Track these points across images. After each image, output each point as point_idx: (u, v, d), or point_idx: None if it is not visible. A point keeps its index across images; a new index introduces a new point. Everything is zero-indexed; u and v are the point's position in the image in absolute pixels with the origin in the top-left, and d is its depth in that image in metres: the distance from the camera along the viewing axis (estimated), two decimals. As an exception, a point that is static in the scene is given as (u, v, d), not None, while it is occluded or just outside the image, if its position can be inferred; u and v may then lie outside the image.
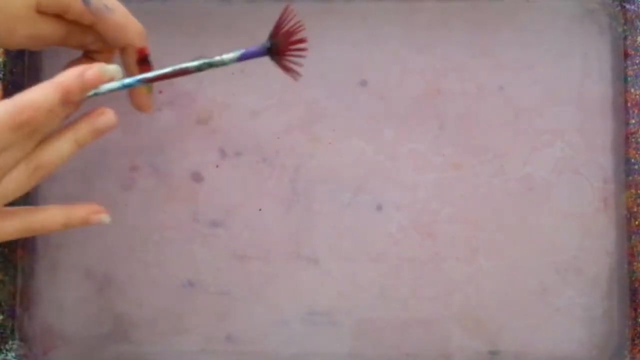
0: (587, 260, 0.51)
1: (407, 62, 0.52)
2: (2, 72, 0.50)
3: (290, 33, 0.40)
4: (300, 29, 0.40)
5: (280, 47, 0.40)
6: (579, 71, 0.52)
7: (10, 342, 0.50)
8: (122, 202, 0.52)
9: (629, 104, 0.51)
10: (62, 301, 0.51)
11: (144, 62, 0.44)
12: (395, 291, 0.51)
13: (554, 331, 0.51)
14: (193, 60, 0.42)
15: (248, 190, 0.52)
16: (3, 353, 0.50)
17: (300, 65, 0.40)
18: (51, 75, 0.52)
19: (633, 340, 0.50)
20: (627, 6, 0.52)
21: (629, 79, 0.51)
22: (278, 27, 0.40)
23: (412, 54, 0.52)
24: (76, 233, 0.51)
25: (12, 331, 0.51)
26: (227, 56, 0.40)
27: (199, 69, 0.41)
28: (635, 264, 0.50)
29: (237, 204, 0.52)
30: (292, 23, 0.40)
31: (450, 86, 0.52)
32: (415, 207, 0.51)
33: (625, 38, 0.52)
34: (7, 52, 0.50)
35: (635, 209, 0.50)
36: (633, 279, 0.50)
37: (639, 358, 0.50)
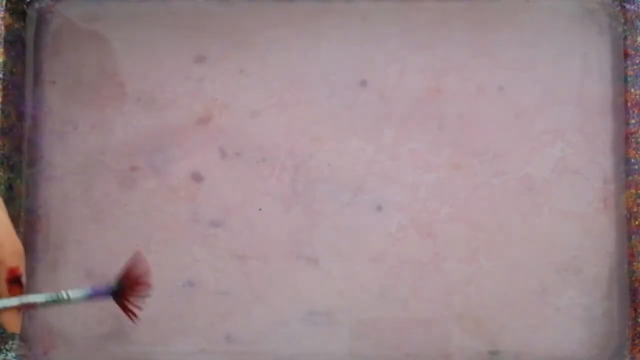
0: (587, 260, 0.51)
1: (407, 62, 0.52)
2: (2, 72, 0.50)
3: (137, 279, 0.41)
4: (147, 275, 0.41)
5: (125, 291, 0.41)
6: (579, 71, 0.52)
7: (10, 342, 0.50)
8: (122, 202, 0.52)
9: (629, 104, 0.51)
10: (62, 301, 0.51)
11: (15, 283, 0.43)
12: (395, 291, 0.51)
13: (554, 331, 0.51)
14: (42, 294, 0.42)
15: (248, 190, 0.52)
16: (3, 353, 0.50)
17: (139, 308, 0.42)
18: (51, 75, 0.52)
19: (633, 340, 0.50)
20: (627, 6, 0.52)
21: (629, 79, 0.51)
22: (127, 271, 0.41)
23: (412, 53, 0.52)
24: (76, 233, 0.51)
25: (12, 331, 0.51)
26: (73, 294, 0.41)
27: (44, 304, 0.41)
28: (635, 264, 0.50)
29: (237, 204, 0.52)
30: (140, 269, 0.41)
31: (450, 86, 0.52)
32: (415, 207, 0.51)
33: (625, 38, 0.52)
34: (7, 52, 0.50)
35: (635, 209, 0.50)
36: (633, 279, 0.50)
37: (639, 358, 0.50)
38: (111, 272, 0.51)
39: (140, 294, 0.42)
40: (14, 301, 0.41)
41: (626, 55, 0.52)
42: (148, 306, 0.51)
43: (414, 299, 0.51)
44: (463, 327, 0.51)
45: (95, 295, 0.41)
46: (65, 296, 0.41)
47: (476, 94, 0.52)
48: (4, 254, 0.42)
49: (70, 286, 0.51)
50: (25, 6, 0.52)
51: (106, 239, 0.52)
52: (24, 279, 0.43)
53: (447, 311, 0.51)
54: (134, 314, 0.42)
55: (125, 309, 0.42)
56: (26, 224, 0.51)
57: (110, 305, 0.51)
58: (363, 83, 0.52)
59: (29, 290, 0.51)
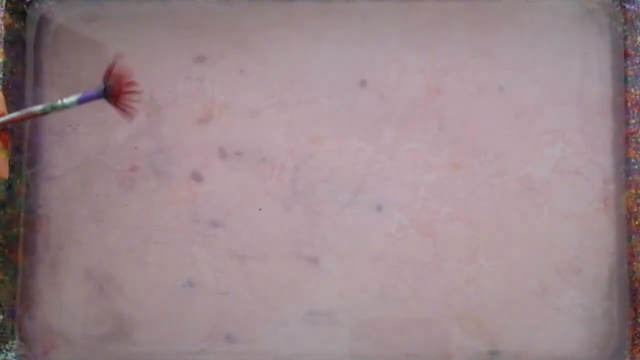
0: (587, 260, 0.51)
1: (407, 62, 0.52)
2: (2, 72, 0.50)
3: (122, 77, 0.44)
4: (129, 72, 0.44)
5: (114, 90, 0.44)
6: (579, 71, 0.52)
7: (10, 342, 0.50)
8: (122, 202, 0.52)
9: (629, 104, 0.51)
10: (62, 301, 0.51)
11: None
12: (395, 291, 0.51)
13: (554, 331, 0.51)
14: (39, 107, 0.44)
15: (248, 190, 0.52)
16: (3, 353, 0.50)
17: (133, 107, 0.44)
18: (51, 75, 0.52)
19: (633, 340, 0.50)
20: (627, 6, 0.52)
21: (629, 79, 0.51)
22: (110, 72, 0.44)
23: (412, 53, 0.52)
24: (76, 233, 0.51)
25: (12, 331, 0.51)
26: (67, 100, 0.43)
27: (44, 112, 0.43)
28: (635, 264, 0.50)
29: (237, 204, 0.52)
30: (122, 69, 0.44)
31: (450, 86, 0.52)
32: (415, 207, 0.51)
33: (625, 38, 0.52)
34: (7, 52, 0.50)
35: (635, 209, 0.50)
36: (633, 279, 0.50)
37: (639, 358, 0.50)
38: (111, 272, 0.51)
39: (129, 90, 0.44)
40: (15, 114, 0.43)
41: (626, 55, 0.52)
42: (148, 306, 0.51)
43: (414, 299, 0.51)
44: (463, 327, 0.51)
45: (87, 98, 0.43)
46: (60, 103, 0.43)
47: (476, 94, 0.52)
48: None
49: (70, 286, 0.51)
50: (25, 6, 0.52)
51: (106, 239, 0.52)
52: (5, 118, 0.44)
53: (447, 311, 0.51)
54: (129, 111, 0.44)
55: (120, 107, 0.44)
56: (26, 224, 0.52)
57: (111, 305, 0.51)
58: (363, 83, 0.52)
59: (29, 291, 0.51)
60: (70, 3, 0.53)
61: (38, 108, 0.43)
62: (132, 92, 0.44)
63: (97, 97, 0.43)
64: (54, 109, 0.43)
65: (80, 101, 0.44)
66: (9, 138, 0.45)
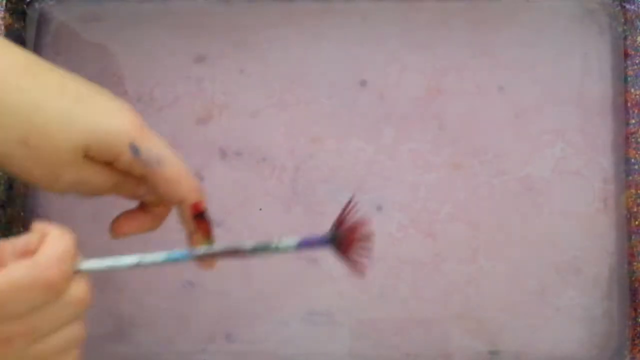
0: (587, 260, 0.51)
1: (407, 62, 0.52)
2: (2, 72, 0.50)
3: (356, 225, 0.38)
4: (363, 223, 0.38)
5: (345, 240, 0.37)
6: (579, 71, 0.52)
7: (10, 342, 0.50)
8: (122, 203, 0.52)
9: (629, 104, 0.51)
10: (62, 301, 0.51)
11: (200, 218, 0.41)
12: (395, 291, 0.51)
13: (554, 331, 0.51)
14: (249, 243, 0.38)
15: (248, 190, 0.52)
16: (3, 353, 0.50)
17: (364, 261, 0.37)
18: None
19: (633, 340, 0.50)
20: (627, 6, 0.52)
21: (629, 79, 0.51)
22: (341, 217, 0.38)
23: (412, 53, 0.52)
24: (76, 233, 0.51)
25: (12, 331, 0.50)
26: (283, 243, 0.37)
27: (252, 251, 0.37)
28: (635, 264, 0.50)
29: (237, 204, 0.51)
30: (354, 217, 0.38)
31: (450, 86, 0.52)
32: (415, 207, 0.51)
33: (625, 38, 0.52)
34: (7, 52, 0.50)
35: (635, 209, 0.50)
36: (633, 279, 0.50)
37: (639, 358, 0.50)
38: (111, 272, 0.51)
39: (362, 242, 0.37)
40: (218, 247, 0.38)
41: (626, 55, 0.52)
42: (148, 306, 0.51)
43: (414, 299, 0.51)
44: (463, 327, 0.51)
45: (309, 243, 0.37)
46: (274, 244, 0.37)
47: (476, 94, 0.52)
48: (182, 191, 0.40)
49: (70, 286, 0.51)
50: (25, 6, 0.52)
51: (106, 239, 0.51)
52: (208, 215, 0.41)
53: (447, 311, 0.51)
54: (360, 266, 0.37)
55: (348, 260, 0.37)
56: (26, 224, 0.51)
57: (111, 305, 0.51)
58: (363, 83, 0.52)
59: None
60: (70, 3, 0.53)
61: (247, 247, 0.37)
62: (365, 245, 0.37)
63: (322, 243, 0.37)
64: (266, 249, 0.37)
65: (301, 246, 0.37)
66: (207, 227, 0.41)
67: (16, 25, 0.51)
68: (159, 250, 0.51)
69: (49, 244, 0.34)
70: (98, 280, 0.51)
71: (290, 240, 0.37)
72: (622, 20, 0.52)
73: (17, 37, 0.51)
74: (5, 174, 0.50)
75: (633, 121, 0.51)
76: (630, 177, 0.51)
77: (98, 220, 0.51)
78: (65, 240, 0.35)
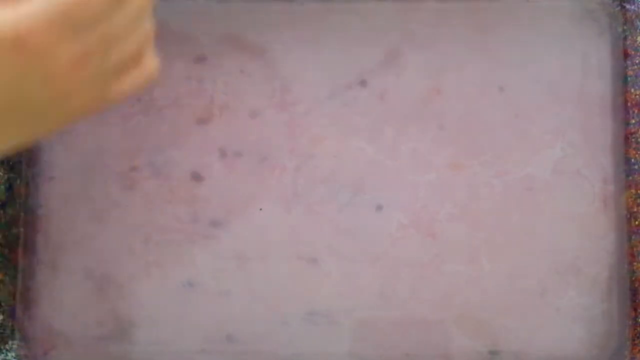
0: (587, 261, 0.51)
1: (407, 62, 0.52)
2: (2, 72, 0.49)
3: None
4: None
5: None
6: (578, 71, 0.52)
7: (10, 342, 0.50)
8: (122, 202, 0.52)
9: (629, 104, 0.51)
10: (62, 301, 0.51)
11: None
12: (395, 291, 0.51)
13: (554, 331, 0.51)
14: None
15: (248, 190, 0.52)
16: (3, 353, 0.50)
17: None
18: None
19: (633, 340, 0.50)
20: (627, 6, 0.52)
21: (629, 79, 0.51)
22: None
23: (412, 53, 0.52)
24: (76, 233, 0.51)
25: (12, 331, 0.51)
26: None
27: None
28: (635, 264, 0.50)
29: (237, 204, 0.51)
30: None
31: (450, 86, 0.52)
32: (415, 207, 0.51)
33: (625, 38, 0.52)
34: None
35: (635, 209, 0.50)
36: (633, 279, 0.50)
37: (639, 358, 0.50)
38: (111, 272, 0.51)
39: None
40: None
41: (626, 55, 0.52)
42: (148, 306, 0.51)
43: (414, 299, 0.51)
44: (463, 328, 0.51)
45: None
46: None
47: (476, 94, 0.52)
48: None
49: (70, 286, 0.51)
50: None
51: (106, 239, 0.51)
52: None
53: (447, 311, 0.51)
54: None
55: None
56: (26, 224, 0.51)
57: (111, 305, 0.51)
58: (363, 83, 0.52)
59: (29, 291, 0.51)
60: (70, 3, 0.53)
61: None
62: None
63: None
64: None
65: None
66: None
67: (16, 25, 0.51)
68: (160, 251, 0.52)
69: None
70: (98, 280, 0.51)
71: None
72: (622, 20, 0.52)
73: (17, 37, 0.51)
74: (6, 174, 0.50)
75: (633, 121, 0.51)
76: (630, 177, 0.51)
77: (98, 220, 0.52)
78: None
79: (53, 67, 0.31)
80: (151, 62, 0.36)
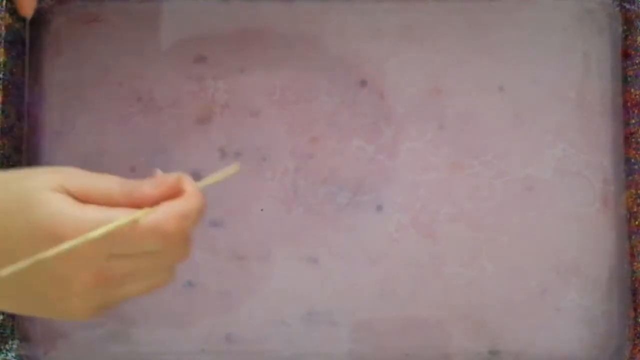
0: (588, 261, 0.51)
1: (407, 61, 0.52)
2: (2, 72, 0.50)
3: None
4: None
5: None
6: (578, 71, 0.52)
7: (10, 342, 0.50)
8: (122, 202, 0.52)
9: (629, 104, 0.51)
10: (62, 301, 0.51)
11: None
12: (395, 291, 0.51)
13: (554, 331, 0.51)
14: None
15: (248, 190, 0.52)
16: (3, 353, 0.50)
17: None
18: (51, 75, 0.52)
19: (633, 340, 0.50)
20: (627, 6, 0.52)
21: (629, 79, 0.51)
22: None
23: (412, 53, 0.52)
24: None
25: (12, 331, 0.50)
26: None
27: None
28: (635, 264, 0.50)
29: (237, 204, 0.51)
30: None
31: (450, 85, 0.52)
32: (415, 207, 0.51)
33: (625, 38, 0.52)
34: (7, 52, 0.50)
35: (635, 209, 0.50)
36: (633, 279, 0.50)
37: (639, 358, 0.50)
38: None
39: None
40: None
41: (626, 55, 0.52)
42: (148, 306, 0.51)
43: (413, 299, 0.51)
44: (463, 328, 0.51)
45: None
46: None
47: (476, 94, 0.52)
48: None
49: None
50: (25, 6, 0.52)
51: (106, 239, 0.51)
52: None
53: (447, 311, 0.51)
54: None
55: None
56: (26, 224, 0.51)
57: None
58: (363, 83, 0.52)
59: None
60: (70, 3, 0.53)
61: None
62: None
63: None
64: None
65: None
66: None
67: (16, 25, 0.51)
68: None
69: (192, 197, 0.34)
70: (98, 280, 0.51)
71: None
72: (622, 20, 0.52)
73: (17, 37, 0.51)
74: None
75: (633, 121, 0.51)
76: (630, 177, 0.51)
77: (98, 220, 0.51)
78: (201, 200, 0.35)
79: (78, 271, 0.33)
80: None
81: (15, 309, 0.37)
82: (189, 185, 0.35)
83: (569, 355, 0.51)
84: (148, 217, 0.33)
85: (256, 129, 0.52)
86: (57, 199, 0.32)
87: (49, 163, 0.52)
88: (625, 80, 0.52)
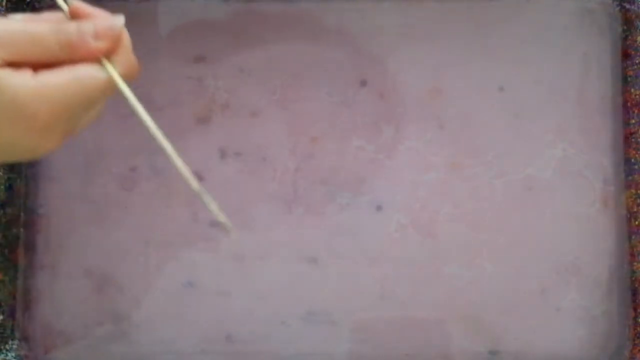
0: (588, 261, 0.51)
1: (407, 61, 0.52)
2: (2, 72, 0.49)
3: None
4: None
5: None
6: (578, 71, 0.52)
7: (10, 342, 0.50)
8: (122, 203, 0.52)
9: (629, 104, 0.51)
10: (62, 301, 0.51)
11: None
12: (395, 291, 0.51)
13: (554, 331, 0.51)
14: None
15: (248, 190, 0.52)
16: (3, 353, 0.50)
17: None
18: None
19: (633, 340, 0.50)
20: (627, 6, 0.52)
21: (628, 79, 0.51)
22: None
23: (412, 53, 0.52)
24: (76, 233, 0.51)
25: (12, 331, 0.51)
26: None
27: None
28: (635, 264, 0.50)
29: (237, 204, 0.52)
30: None
31: (450, 86, 0.52)
32: (415, 207, 0.51)
33: (625, 38, 0.52)
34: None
35: (635, 209, 0.50)
36: (633, 279, 0.50)
37: (639, 358, 0.50)
38: (111, 272, 0.51)
39: None
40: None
41: (626, 55, 0.52)
42: (148, 306, 0.51)
43: (413, 299, 0.51)
44: (463, 328, 0.51)
45: None
46: None
47: (476, 94, 0.52)
48: None
49: (70, 286, 0.51)
50: (25, 6, 0.52)
51: (106, 239, 0.52)
52: None
53: (447, 311, 0.51)
54: None
55: None
56: (26, 224, 0.52)
57: (111, 305, 0.51)
58: (363, 82, 0.52)
59: (29, 291, 0.51)
60: (71, 3, 0.53)
61: None
62: None
63: None
64: None
65: None
66: None
67: (16, 26, 0.51)
68: (160, 251, 0.52)
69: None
70: (98, 280, 0.51)
71: None
72: (622, 20, 0.52)
73: (17, 37, 0.51)
74: (6, 174, 0.50)
75: (633, 121, 0.51)
76: (630, 177, 0.51)
77: (98, 220, 0.52)
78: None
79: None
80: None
81: None
82: (126, 40, 0.38)
83: (569, 355, 0.51)
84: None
85: (256, 129, 0.52)
86: (7, 80, 0.33)
87: (49, 163, 0.52)
88: (625, 80, 0.52)
